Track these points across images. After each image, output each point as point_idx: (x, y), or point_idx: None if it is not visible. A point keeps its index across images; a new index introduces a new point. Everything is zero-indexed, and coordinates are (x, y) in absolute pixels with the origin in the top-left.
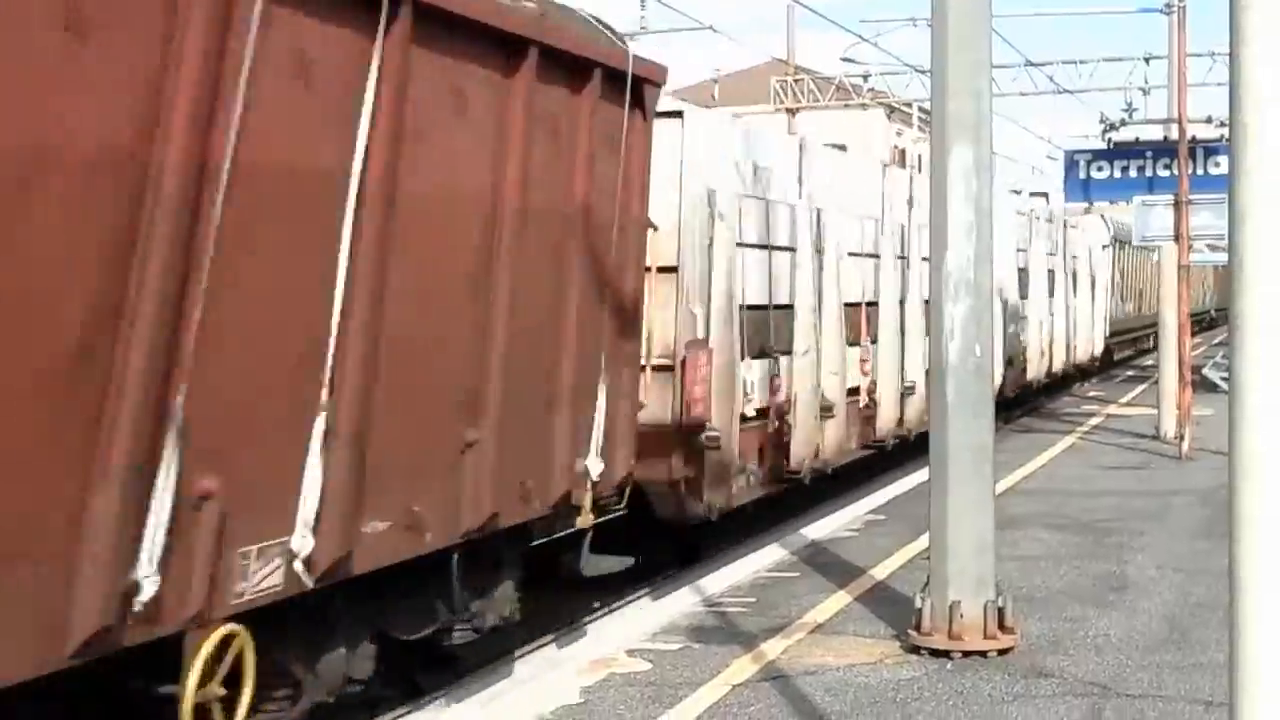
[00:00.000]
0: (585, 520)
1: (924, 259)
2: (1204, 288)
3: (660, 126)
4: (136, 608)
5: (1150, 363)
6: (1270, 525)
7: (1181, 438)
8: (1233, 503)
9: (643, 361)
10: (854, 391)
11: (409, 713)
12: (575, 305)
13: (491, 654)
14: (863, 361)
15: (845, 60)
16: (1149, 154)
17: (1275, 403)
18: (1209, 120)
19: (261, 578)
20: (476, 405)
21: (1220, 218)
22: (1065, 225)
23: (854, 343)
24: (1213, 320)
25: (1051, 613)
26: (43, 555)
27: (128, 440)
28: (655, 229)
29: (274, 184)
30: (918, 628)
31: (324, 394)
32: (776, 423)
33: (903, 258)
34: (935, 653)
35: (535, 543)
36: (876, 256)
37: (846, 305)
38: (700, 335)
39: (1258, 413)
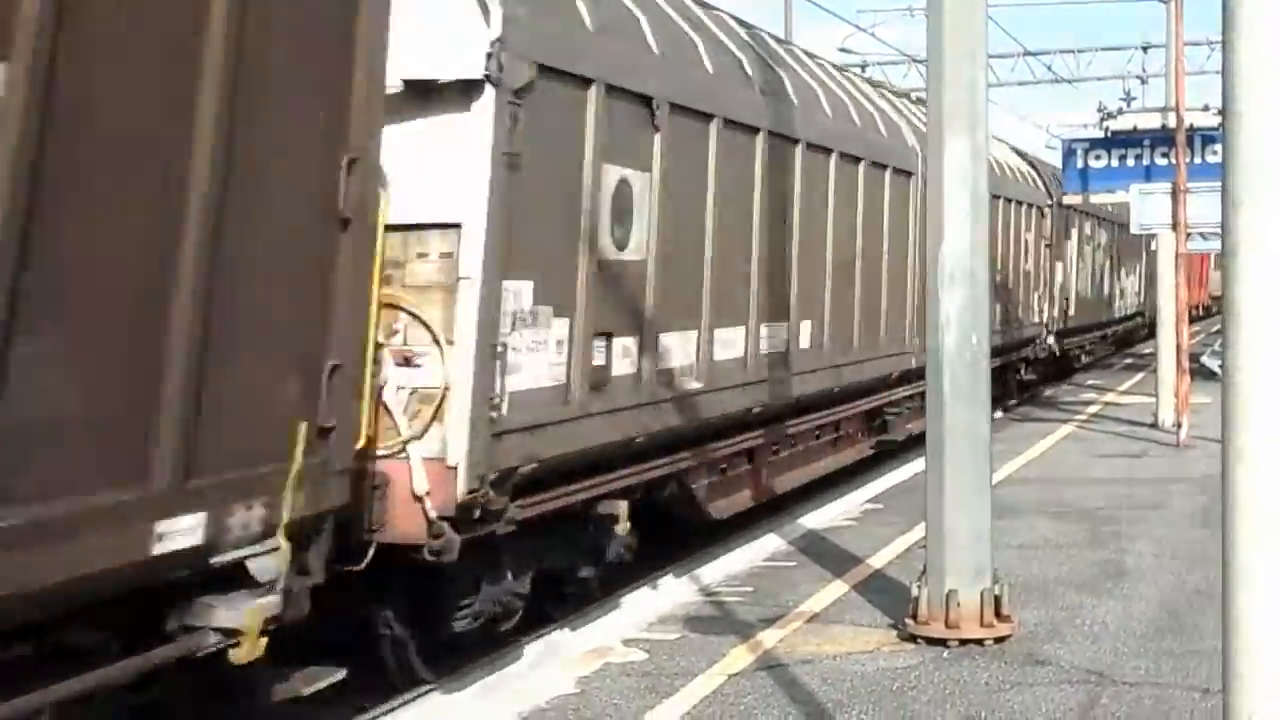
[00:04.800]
0: None
1: None
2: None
3: None
4: None
5: (1149, 350)
6: (1264, 513)
7: (1179, 426)
8: (1226, 491)
9: None
10: None
11: (401, 705)
12: None
13: (486, 645)
14: None
15: (843, 50)
16: (1146, 142)
17: (1270, 389)
18: (1206, 108)
19: None
20: None
21: (1218, 206)
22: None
23: None
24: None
25: (1049, 601)
26: None
27: None
28: None
29: None
30: (914, 616)
31: None
32: None
33: None
34: (932, 641)
35: None
36: None
37: None
38: None
39: (1252, 399)
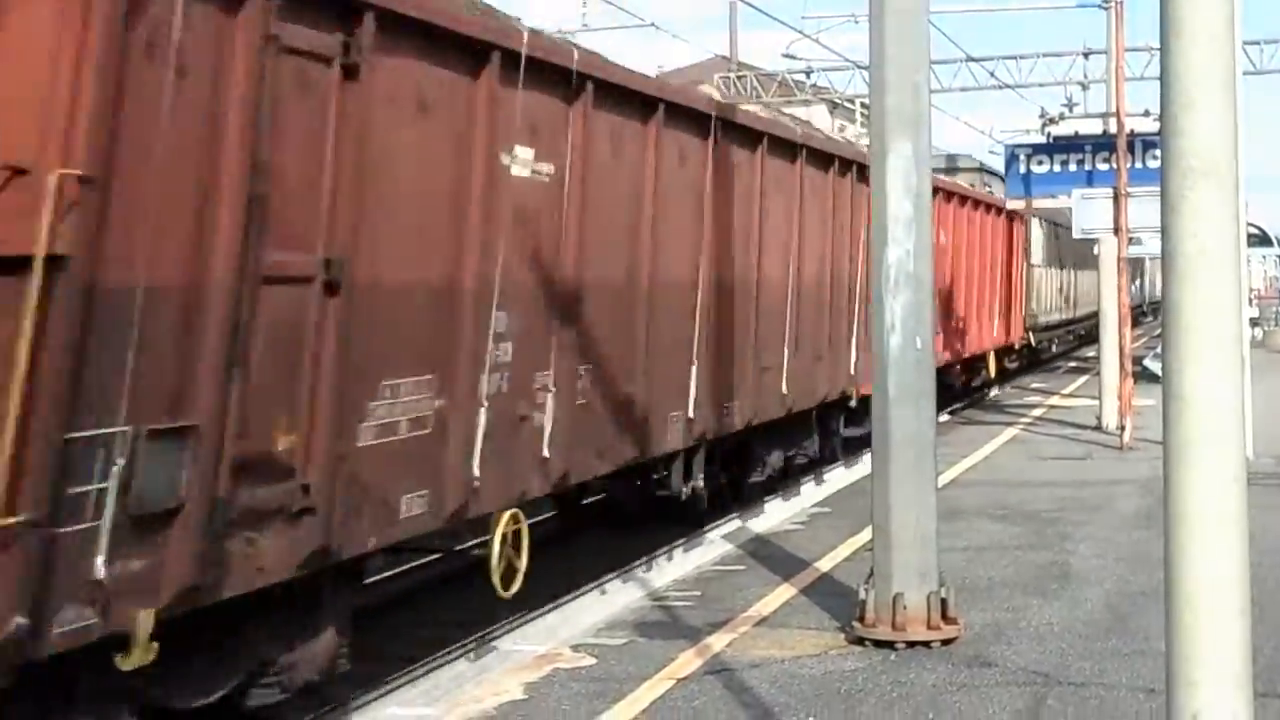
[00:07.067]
0: None
1: None
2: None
3: None
4: None
5: (1092, 354)
6: (1206, 515)
7: (1122, 428)
8: (1168, 493)
9: None
10: None
11: (346, 708)
12: None
13: (432, 650)
14: None
15: (787, 56)
16: (1088, 148)
17: (1210, 389)
18: (1147, 114)
19: None
20: None
21: (1157, 210)
22: None
23: None
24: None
25: (994, 603)
26: None
27: None
28: None
29: None
30: (861, 619)
31: None
32: None
33: None
34: (879, 644)
35: None
36: None
37: None
38: None
39: (1194, 400)
